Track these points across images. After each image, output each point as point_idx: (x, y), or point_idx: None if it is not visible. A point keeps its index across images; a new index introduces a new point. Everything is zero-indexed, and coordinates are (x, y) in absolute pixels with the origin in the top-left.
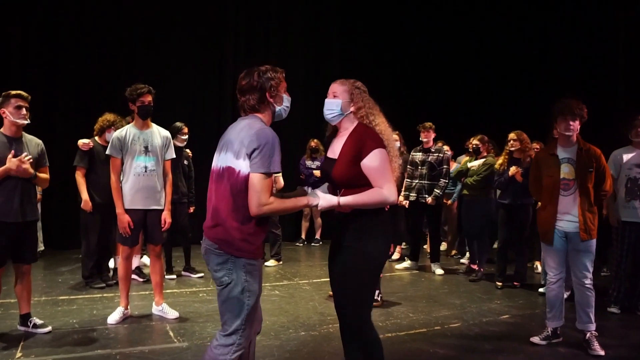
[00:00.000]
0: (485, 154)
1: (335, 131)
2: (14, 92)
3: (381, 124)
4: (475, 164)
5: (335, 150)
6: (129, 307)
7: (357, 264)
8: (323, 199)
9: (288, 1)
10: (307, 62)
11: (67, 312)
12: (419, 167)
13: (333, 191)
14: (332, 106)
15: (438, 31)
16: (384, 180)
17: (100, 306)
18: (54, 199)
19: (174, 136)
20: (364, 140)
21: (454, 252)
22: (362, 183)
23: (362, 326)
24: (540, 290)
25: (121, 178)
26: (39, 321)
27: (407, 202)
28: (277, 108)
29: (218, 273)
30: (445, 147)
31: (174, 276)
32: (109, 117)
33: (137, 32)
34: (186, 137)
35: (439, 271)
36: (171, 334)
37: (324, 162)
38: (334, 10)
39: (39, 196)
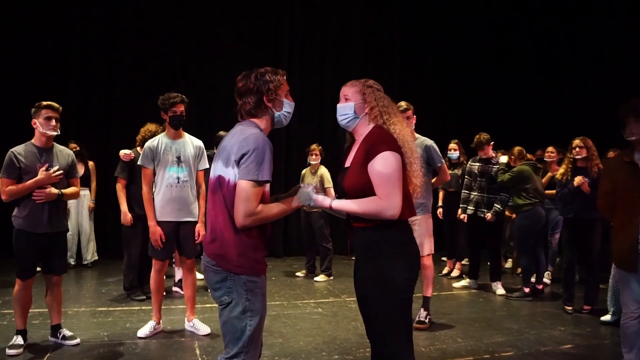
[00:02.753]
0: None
1: (353, 140)
2: (45, 102)
3: (397, 123)
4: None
5: (350, 158)
6: (161, 321)
7: (375, 289)
8: (315, 199)
9: (346, 15)
10: (364, 71)
11: (101, 324)
12: (478, 179)
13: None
14: (345, 110)
15: (495, 38)
16: (386, 189)
17: (135, 319)
18: (108, 209)
19: (218, 146)
20: (373, 142)
21: (519, 270)
22: (374, 193)
23: (391, 356)
24: (604, 318)
25: (153, 189)
26: (68, 333)
27: (465, 215)
28: (277, 113)
29: (217, 292)
30: (504, 157)
31: None
32: (150, 127)
33: (190, 40)
34: None
35: (500, 291)
36: (197, 351)
37: (340, 173)
38: (394, 23)
39: (91, 205)
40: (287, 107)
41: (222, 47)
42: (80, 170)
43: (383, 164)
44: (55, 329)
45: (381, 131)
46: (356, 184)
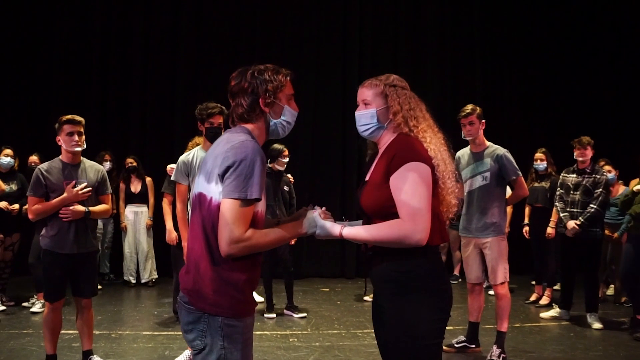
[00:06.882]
0: None
1: (376, 150)
2: (65, 117)
3: (427, 130)
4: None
5: (370, 172)
6: None
7: (395, 334)
8: (322, 227)
9: (420, 12)
10: (443, 73)
11: (139, 350)
12: (571, 192)
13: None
14: (366, 119)
15: (591, 32)
16: (411, 208)
17: (176, 346)
18: None
19: (273, 159)
20: (396, 151)
21: (624, 299)
22: (397, 212)
23: None
24: None
25: (188, 207)
26: None
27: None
28: (272, 121)
29: (189, 334)
30: (607, 168)
31: (274, 315)
32: (198, 140)
33: (254, 46)
34: (287, 160)
35: (597, 324)
36: None
37: (358, 188)
38: (474, 18)
39: (149, 222)
40: (287, 116)
41: (286, 52)
42: (137, 186)
43: (408, 178)
44: (86, 355)
45: (407, 138)
46: (376, 202)
